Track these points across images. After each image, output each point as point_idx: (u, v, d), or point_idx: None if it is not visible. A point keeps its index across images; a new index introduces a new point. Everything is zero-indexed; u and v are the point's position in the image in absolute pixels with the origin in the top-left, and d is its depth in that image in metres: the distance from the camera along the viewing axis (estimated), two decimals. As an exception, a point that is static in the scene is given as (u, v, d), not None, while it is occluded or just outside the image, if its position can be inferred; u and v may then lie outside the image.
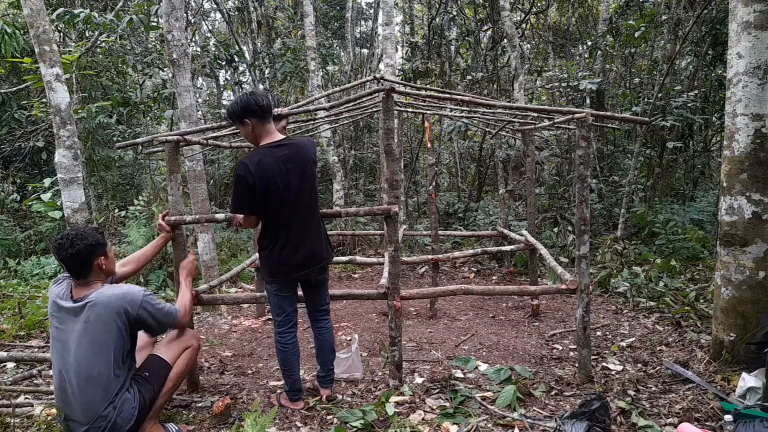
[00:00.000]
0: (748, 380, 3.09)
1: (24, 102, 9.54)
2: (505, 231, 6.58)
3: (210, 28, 16.30)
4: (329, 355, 3.36)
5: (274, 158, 2.94)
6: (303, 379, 3.77)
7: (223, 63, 11.45)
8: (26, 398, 3.48)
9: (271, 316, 3.40)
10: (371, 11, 16.76)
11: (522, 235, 5.87)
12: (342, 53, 16.14)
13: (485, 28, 12.12)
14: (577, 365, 3.67)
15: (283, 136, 3.08)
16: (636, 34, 7.94)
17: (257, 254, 5.42)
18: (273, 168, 2.92)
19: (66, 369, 2.57)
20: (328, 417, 3.14)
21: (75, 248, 2.59)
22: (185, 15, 7.31)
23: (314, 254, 3.12)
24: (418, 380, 3.63)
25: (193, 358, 3.02)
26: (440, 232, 6.53)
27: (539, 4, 12.54)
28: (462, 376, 3.71)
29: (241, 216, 3.06)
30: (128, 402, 2.59)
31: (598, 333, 4.67)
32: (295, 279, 3.14)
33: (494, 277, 7.05)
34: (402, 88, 4.58)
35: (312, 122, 6.48)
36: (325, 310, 3.37)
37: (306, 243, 3.07)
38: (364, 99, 4.37)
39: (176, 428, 2.88)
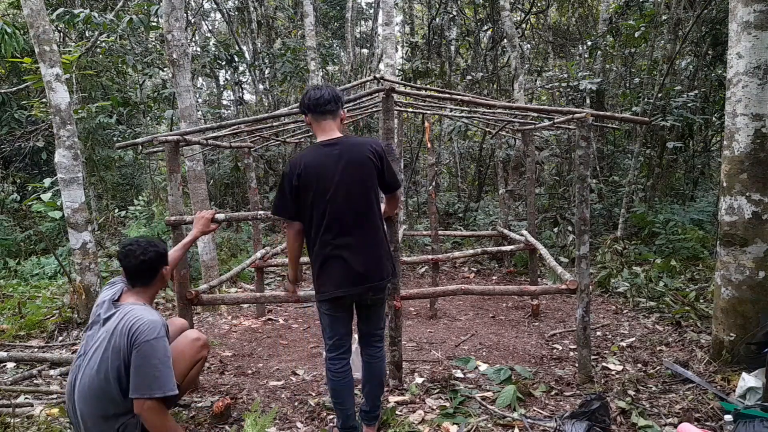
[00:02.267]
0: (748, 380, 3.09)
1: (24, 102, 9.55)
2: (505, 231, 6.58)
3: (210, 28, 16.31)
4: (377, 388, 2.89)
5: (324, 158, 2.63)
6: (303, 379, 3.78)
7: (223, 63, 11.44)
8: (26, 398, 3.48)
9: (324, 340, 2.85)
10: (371, 11, 16.77)
11: (522, 235, 5.87)
12: (342, 53, 16.14)
13: (485, 28, 12.12)
14: (577, 365, 3.67)
15: (339, 135, 2.71)
16: (636, 34, 7.94)
17: (257, 254, 5.44)
18: (320, 169, 2.61)
19: (77, 375, 2.50)
20: (329, 418, 3.14)
21: (147, 255, 2.59)
22: (185, 15, 7.31)
23: (368, 272, 2.68)
24: (418, 380, 3.62)
25: (200, 370, 2.91)
26: (440, 232, 6.53)
27: (539, 4, 12.54)
28: (462, 376, 3.70)
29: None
30: (130, 427, 2.49)
31: (598, 333, 4.67)
32: (346, 298, 2.73)
33: (494, 277, 7.05)
34: (402, 88, 4.58)
35: (312, 122, 6.48)
36: (380, 336, 2.92)
37: (358, 258, 2.65)
38: (364, 99, 4.38)
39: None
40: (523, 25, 12.65)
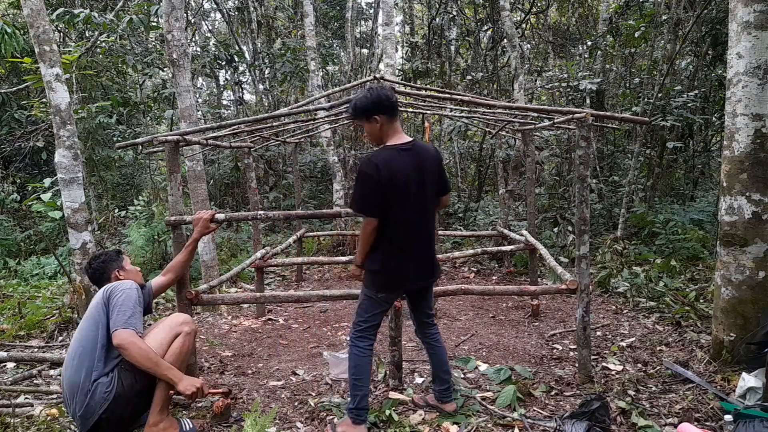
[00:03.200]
0: (748, 380, 3.09)
1: (24, 102, 9.55)
2: (505, 231, 6.58)
3: (210, 28, 16.31)
4: (447, 366, 3.15)
5: (404, 162, 2.74)
6: (303, 379, 3.78)
7: (223, 63, 11.45)
8: (26, 398, 3.48)
9: (356, 320, 2.95)
10: (371, 11, 16.77)
11: (522, 235, 5.87)
12: (342, 53, 16.14)
13: (485, 28, 12.12)
14: (577, 365, 3.67)
15: (408, 138, 2.85)
16: (636, 34, 7.94)
17: (257, 254, 5.43)
18: (402, 171, 2.72)
19: (67, 354, 2.81)
20: (329, 418, 3.14)
21: (91, 267, 3.10)
22: (185, 15, 7.31)
23: (429, 269, 2.96)
24: (418, 380, 3.63)
25: (186, 346, 2.89)
26: (440, 232, 6.53)
27: (539, 4, 12.55)
28: (462, 376, 3.70)
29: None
30: (102, 386, 2.64)
31: (598, 333, 4.66)
32: (402, 293, 3.01)
33: (494, 277, 7.05)
34: (402, 88, 4.58)
35: (312, 122, 6.48)
36: (433, 316, 3.19)
37: (423, 257, 2.91)
38: (364, 99, 4.36)
39: (191, 425, 2.90)
40: (523, 25, 12.65)
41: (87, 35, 9.90)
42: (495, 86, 11.83)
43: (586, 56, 10.87)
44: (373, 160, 2.71)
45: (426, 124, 6.34)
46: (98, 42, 8.93)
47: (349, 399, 2.92)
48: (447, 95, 5.05)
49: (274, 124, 5.61)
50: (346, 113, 2.93)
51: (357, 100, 2.82)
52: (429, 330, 3.15)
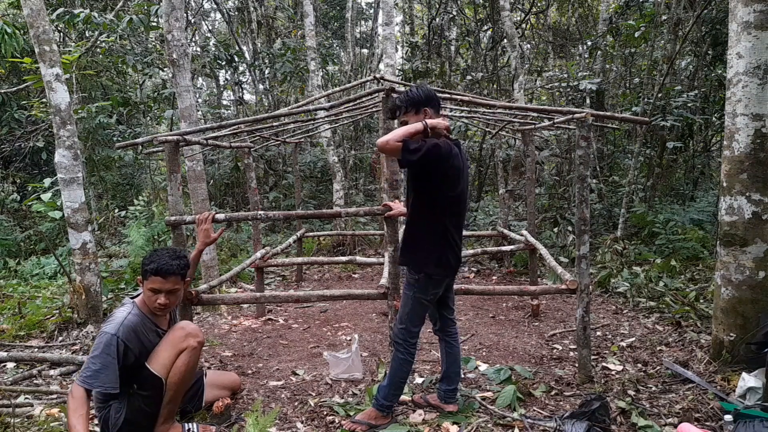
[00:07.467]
0: (748, 380, 3.09)
1: (24, 102, 9.55)
2: (505, 231, 6.58)
3: (210, 28, 16.31)
4: (459, 367, 3.21)
5: (458, 153, 2.81)
6: (303, 379, 3.78)
7: (223, 63, 11.45)
8: (26, 398, 3.48)
9: (405, 327, 2.95)
10: (371, 11, 16.78)
11: (522, 235, 5.87)
12: (342, 53, 16.15)
13: (485, 28, 12.12)
14: (577, 365, 3.67)
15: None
16: (636, 34, 7.94)
17: (257, 254, 5.43)
18: (459, 162, 2.80)
19: None
20: (329, 418, 3.14)
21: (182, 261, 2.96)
22: (185, 15, 7.31)
23: (460, 258, 3.05)
24: (418, 380, 3.63)
25: (192, 361, 2.83)
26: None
27: (539, 4, 12.55)
28: (462, 376, 3.70)
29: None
30: (113, 409, 2.76)
31: (598, 333, 4.66)
32: (446, 282, 3.03)
33: (494, 277, 7.05)
34: (402, 88, 4.57)
35: (312, 122, 6.49)
36: (454, 318, 3.23)
37: (460, 244, 2.99)
38: (364, 99, 4.38)
39: (195, 428, 2.90)
40: (523, 25, 12.66)
41: (87, 35, 9.90)
42: (495, 86, 11.83)
43: (586, 56, 10.87)
44: (442, 144, 2.69)
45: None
46: (98, 42, 8.93)
47: (382, 394, 3.00)
48: (447, 95, 5.05)
49: (274, 124, 5.61)
50: (398, 108, 2.86)
51: (409, 92, 2.83)
52: (451, 328, 3.19)
